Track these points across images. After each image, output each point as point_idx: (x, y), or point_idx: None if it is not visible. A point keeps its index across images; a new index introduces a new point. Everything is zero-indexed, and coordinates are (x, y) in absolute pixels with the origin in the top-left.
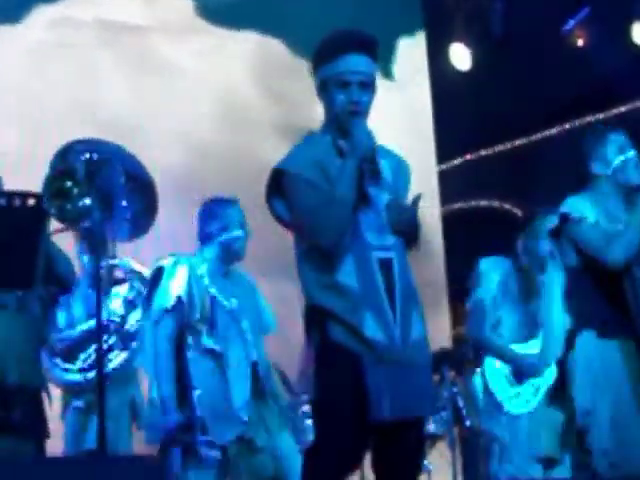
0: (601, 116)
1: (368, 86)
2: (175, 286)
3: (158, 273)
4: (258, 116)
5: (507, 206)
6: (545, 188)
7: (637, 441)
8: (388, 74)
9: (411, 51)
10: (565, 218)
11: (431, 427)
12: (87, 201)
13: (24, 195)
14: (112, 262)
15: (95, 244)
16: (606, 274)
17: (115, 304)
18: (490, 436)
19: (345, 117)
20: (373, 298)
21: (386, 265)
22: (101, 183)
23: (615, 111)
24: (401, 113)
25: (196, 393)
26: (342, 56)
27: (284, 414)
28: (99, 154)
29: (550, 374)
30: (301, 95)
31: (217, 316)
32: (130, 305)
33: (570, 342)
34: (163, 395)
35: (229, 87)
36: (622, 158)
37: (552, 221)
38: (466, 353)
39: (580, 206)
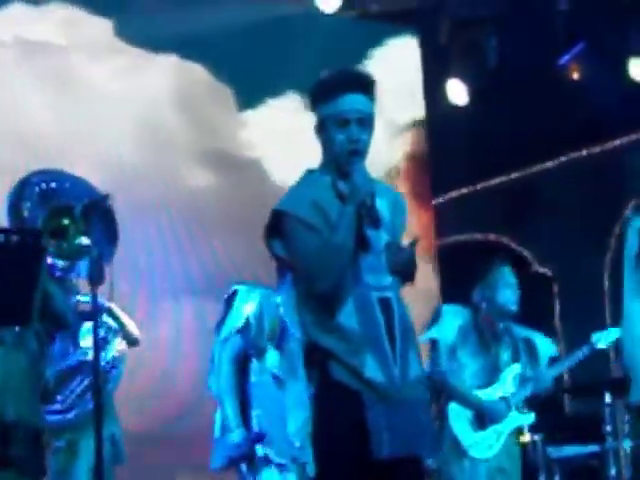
0: (597, 150)
1: (367, 124)
2: (247, 309)
3: (232, 296)
4: (179, 139)
5: (504, 240)
6: (541, 221)
7: None
8: (384, 109)
9: (408, 85)
10: None
11: (429, 462)
12: (84, 240)
13: (22, 232)
14: (79, 298)
15: (92, 282)
16: None
17: (86, 342)
18: None
19: (344, 157)
20: (374, 338)
21: (385, 304)
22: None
23: (610, 145)
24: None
25: (254, 413)
26: (341, 95)
27: None
28: (57, 184)
29: (512, 420)
30: (222, 119)
31: (285, 344)
32: (103, 342)
33: None
34: (225, 413)
35: (150, 108)
36: None
37: (508, 273)
38: None
39: None
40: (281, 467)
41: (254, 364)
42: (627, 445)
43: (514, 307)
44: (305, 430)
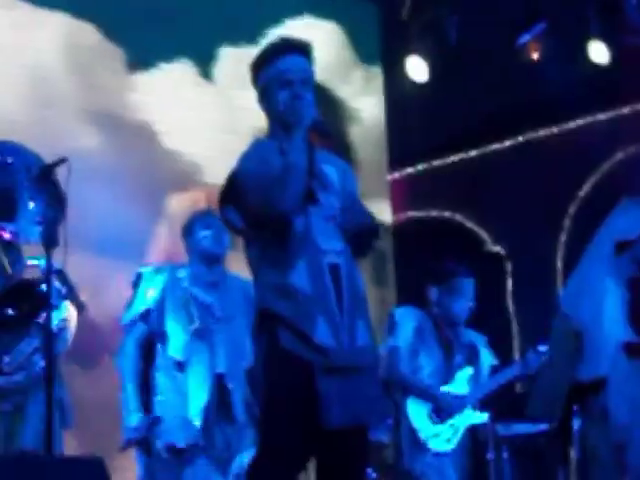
0: (554, 130)
1: (309, 85)
2: (150, 293)
3: (137, 279)
4: (67, 97)
5: (458, 217)
6: (496, 200)
7: None
8: (342, 85)
9: (366, 63)
10: None
11: (379, 434)
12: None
13: None
14: (30, 262)
15: (47, 246)
16: None
17: None
18: (415, 476)
19: (290, 114)
20: (324, 302)
21: (334, 270)
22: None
23: (567, 127)
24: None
25: (158, 398)
26: (282, 57)
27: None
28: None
29: (467, 417)
30: (112, 81)
31: (193, 314)
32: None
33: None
34: (124, 396)
35: (39, 65)
36: None
37: (469, 286)
38: None
39: None
40: (183, 452)
41: (158, 349)
42: (576, 425)
43: (465, 317)
44: (207, 413)
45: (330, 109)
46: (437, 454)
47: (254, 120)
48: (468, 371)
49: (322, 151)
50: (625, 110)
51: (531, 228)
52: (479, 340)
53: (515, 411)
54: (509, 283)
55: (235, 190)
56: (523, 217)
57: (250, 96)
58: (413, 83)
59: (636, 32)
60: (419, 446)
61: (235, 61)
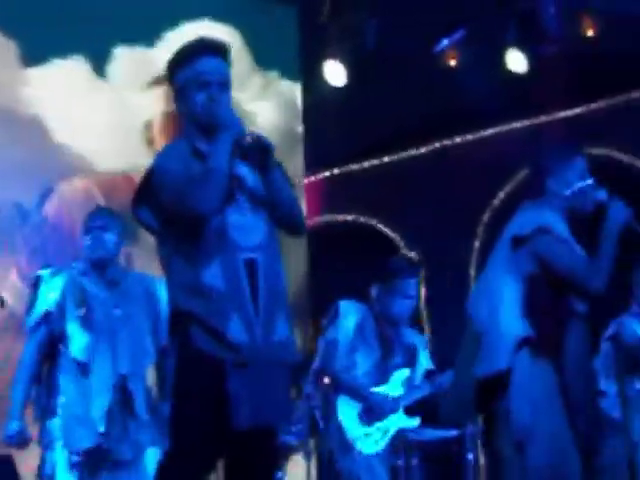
0: (470, 138)
1: (227, 86)
2: (50, 296)
3: (36, 282)
4: None
5: (374, 222)
6: (412, 206)
7: (572, 461)
8: (261, 85)
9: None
10: (545, 230)
11: (287, 438)
12: None
13: None
14: None
15: None
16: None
17: None
18: (347, 474)
19: (207, 116)
20: (238, 299)
21: (251, 266)
22: None
23: (482, 134)
24: (271, 125)
25: (60, 400)
26: (200, 58)
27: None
28: None
29: (397, 420)
30: (4, 75)
31: (93, 315)
32: None
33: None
34: (12, 399)
35: None
36: (582, 184)
37: (412, 286)
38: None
39: (554, 221)
40: (86, 455)
41: (60, 350)
42: (482, 427)
43: (406, 316)
44: (110, 415)
45: None
46: (367, 455)
47: (145, 119)
48: (405, 373)
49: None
50: (541, 119)
51: (446, 235)
52: (419, 341)
53: (426, 417)
54: (423, 289)
55: (150, 189)
56: (438, 223)
57: (142, 95)
58: (331, 87)
59: (553, 41)
60: (347, 445)
61: (130, 61)
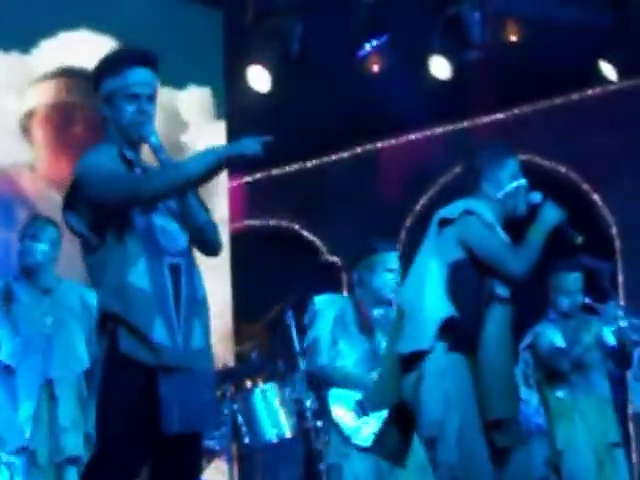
0: (392, 142)
1: (154, 99)
2: None
3: None
4: None
5: (296, 227)
6: (334, 211)
7: (481, 459)
8: (184, 92)
9: (208, 72)
10: (470, 213)
11: (210, 443)
12: None
13: None
14: None
15: None
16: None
17: None
18: (337, 472)
19: (135, 128)
20: (162, 302)
21: (174, 271)
22: None
23: (405, 139)
24: (194, 131)
25: None
26: (129, 69)
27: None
28: None
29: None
30: None
31: (21, 320)
32: None
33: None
34: None
35: None
36: (515, 185)
37: (392, 259)
38: (249, 369)
39: (482, 209)
40: (12, 457)
41: None
42: None
43: (389, 293)
44: (36, 419)
45: None
46: (363, 449)
47: (18, 122)
48: None
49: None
50: (464, 124)
51: (368, 239)
52: None
53: None
54: (344, 293)
55: (77, 192)
56: (360, 228)
57: (18, 99)
58: (255, 92)
59: (477, 47)
60: (344, 441)
61: (5, 67)
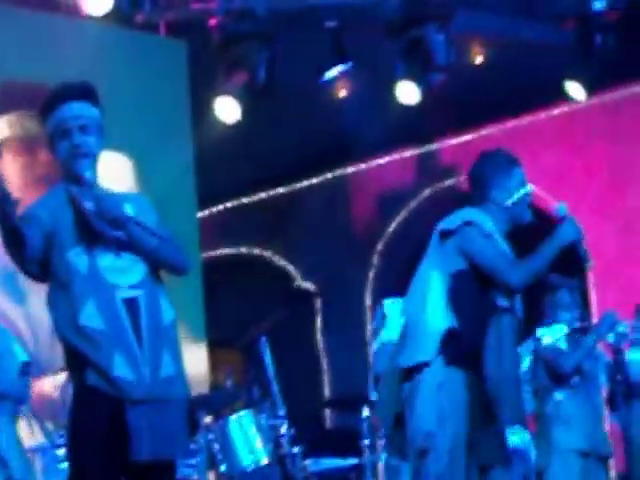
0: (362, 167)
1: (91, 129)
2: None
3: None
4: None
5: (268, 254)
6: (306, 237)
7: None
8: (151, 122)
9: (175, 102)
10: (470, 223)
11: (186, 471)
12: None
13: None
14: None
15: None
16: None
17: None
18: None
19: (71, 163)
20: (120, 337)
21: (131, 304)
22: None
23: (374, 164)
24: (164, 163)
25: None
26: (60, 105)
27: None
28: None
29: None
30: None
31: None
32: None
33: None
34: None
35: None
36: (523, 192)
37: None
38: (224, 396)
39: (481, 219)
40: None
41: None
42: (383, 459)
43: None
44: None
45: None
46: None
47: None
48: None
49: (116, 194)
50: (432, 147)
51: (340, 265)
52: None
53: (324, 446)
54: (319, 319)
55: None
56: (332, 254)
57: None
58: (222, 122)
59: (442, 69)
60: None
61: None
